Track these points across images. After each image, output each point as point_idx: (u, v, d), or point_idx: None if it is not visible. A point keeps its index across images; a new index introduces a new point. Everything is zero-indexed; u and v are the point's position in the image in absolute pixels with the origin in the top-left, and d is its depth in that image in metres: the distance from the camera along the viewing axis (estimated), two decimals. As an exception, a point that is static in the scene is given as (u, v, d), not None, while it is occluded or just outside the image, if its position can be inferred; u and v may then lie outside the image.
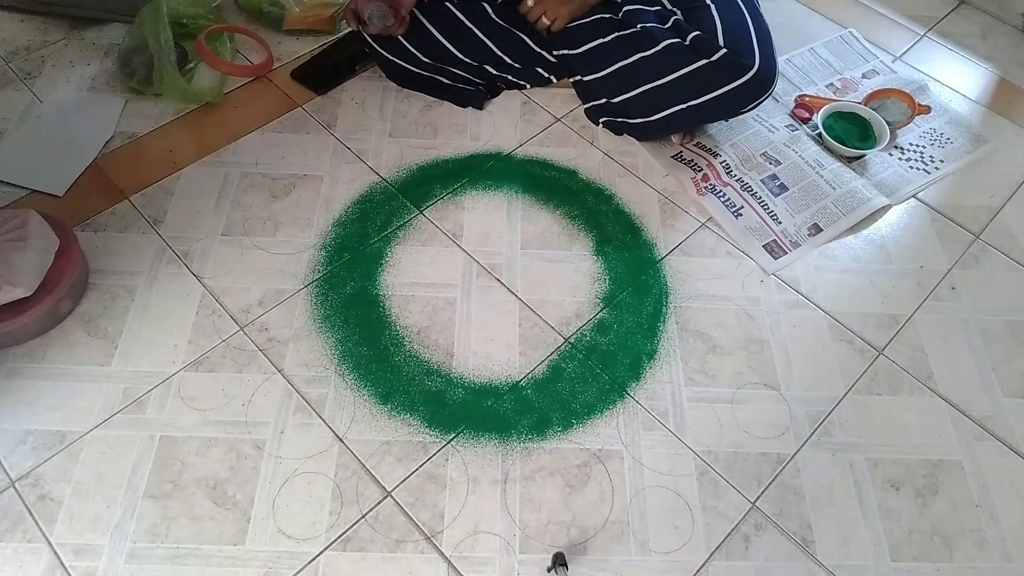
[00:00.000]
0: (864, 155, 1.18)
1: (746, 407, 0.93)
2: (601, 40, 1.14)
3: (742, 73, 1.05)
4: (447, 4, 1.16)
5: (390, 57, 1.21)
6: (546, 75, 1.25)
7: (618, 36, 1.12)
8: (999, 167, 1.22)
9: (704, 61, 1.05)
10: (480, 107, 1.24)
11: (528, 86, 1.27)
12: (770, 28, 1.10)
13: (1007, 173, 1.22)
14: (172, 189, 1.10)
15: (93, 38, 1.31)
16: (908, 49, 1.41)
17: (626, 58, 1.12)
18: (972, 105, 1.32)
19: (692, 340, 0.98)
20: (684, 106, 1.11)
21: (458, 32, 1.18)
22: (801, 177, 1.16)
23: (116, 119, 1.17)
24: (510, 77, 1.25)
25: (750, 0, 1.12)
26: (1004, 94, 1.34)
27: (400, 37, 1.18)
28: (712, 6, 1.08)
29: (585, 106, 1.24)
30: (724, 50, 1.04)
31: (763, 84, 1.06)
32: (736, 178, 1.15)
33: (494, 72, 1.23)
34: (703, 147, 1.19)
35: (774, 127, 1.23)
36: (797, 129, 1.23)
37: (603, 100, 1.20)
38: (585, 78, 1.19)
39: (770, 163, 1.17)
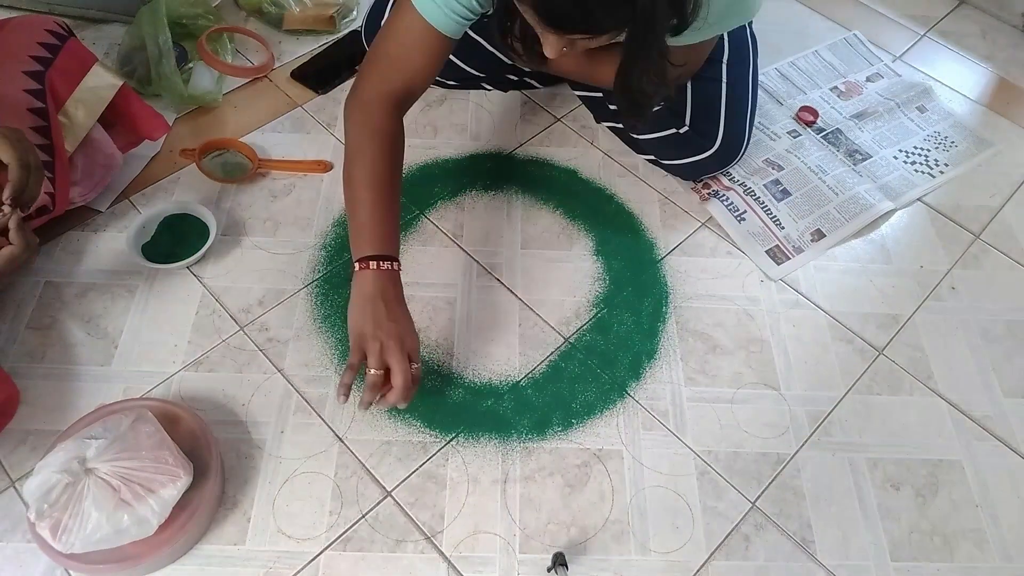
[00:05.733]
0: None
1: (746, 407, 0.93)
2: None
3: (702, 151, 1.08)
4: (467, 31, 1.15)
5: None
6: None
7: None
8: (999, 167, 1.22)
9: (661, 134, 1.09)
10: (505, 89, 1.26)
11: (542, 87, 1.28)
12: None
13: (1007, 173, 1.22)
14: (172, 189, 1.10)
15: (93, 38, 1.31)
16: (908, 49, 1.41)
17: (603, 95, 1.15)
18: (972, 105, 1.32)
19: (692, 340, 0.98)
20: (653, 158, 1.16)
21: (478, 56, 1.15)
22: (804, 182, 1.15)
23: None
24: (529, 80, 1.25)
25: (740, 67, 1.07)
26: (1004, 94, 1.34)
27: None
28: (688, 83, 1.05)
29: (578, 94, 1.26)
30: (686, 128, 1.07)
31: (723, 160, 1.10)
32: (739, 183, 1.15)
33: (515, 79, 1.23)
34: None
35: (776, 134, 1.22)
36: (800, 135, 1.23)
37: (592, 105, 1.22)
38: (577, 93, 1.23)
39: (773, 168, 1.17)
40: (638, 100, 0.86)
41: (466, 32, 1.15)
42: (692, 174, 1.14)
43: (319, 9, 1.33)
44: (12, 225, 0.74)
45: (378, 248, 0.82)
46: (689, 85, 1.05)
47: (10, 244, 0.74)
